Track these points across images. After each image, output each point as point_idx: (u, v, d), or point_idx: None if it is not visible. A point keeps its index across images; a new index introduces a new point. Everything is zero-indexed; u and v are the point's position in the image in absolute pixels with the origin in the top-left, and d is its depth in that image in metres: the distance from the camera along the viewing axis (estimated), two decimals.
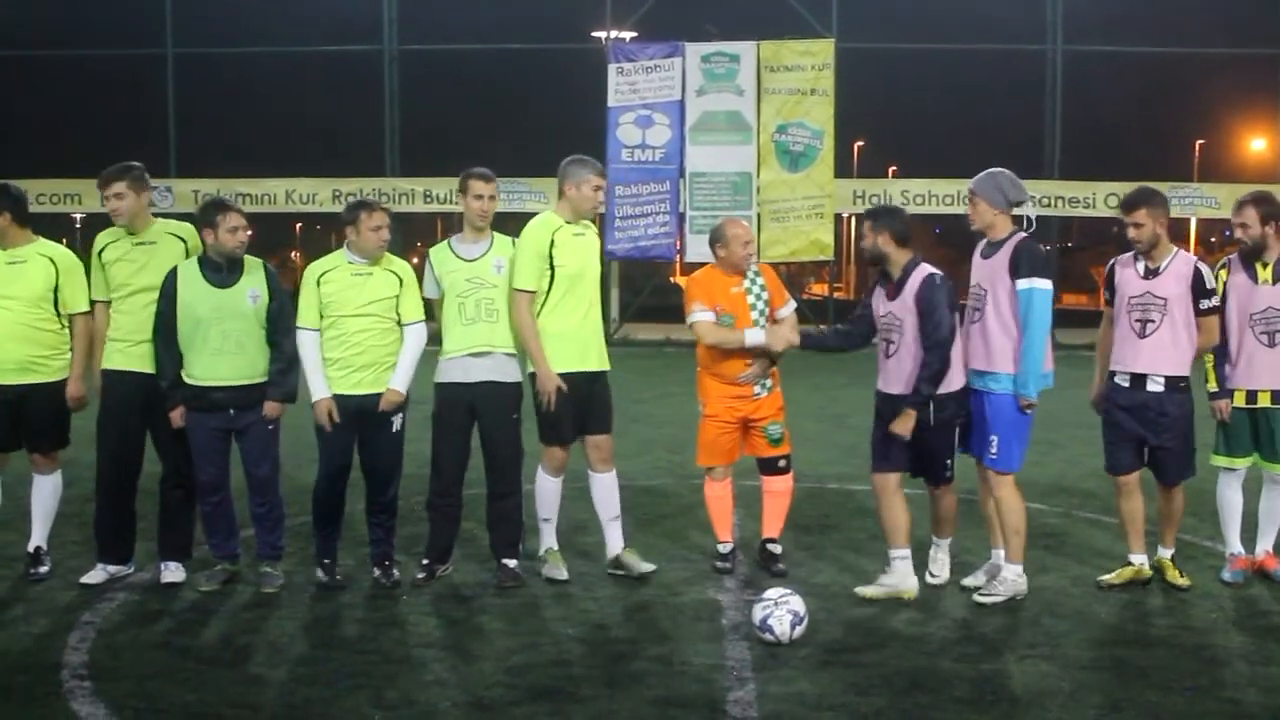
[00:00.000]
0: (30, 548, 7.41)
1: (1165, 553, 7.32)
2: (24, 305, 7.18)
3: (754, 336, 7.33)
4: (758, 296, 7.49)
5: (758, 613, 6.24)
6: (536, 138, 33.63)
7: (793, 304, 7.77)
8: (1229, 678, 5.76)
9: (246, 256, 7.16)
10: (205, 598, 6.98)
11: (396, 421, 7.25)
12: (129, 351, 7.15)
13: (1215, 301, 7.04)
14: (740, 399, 7.45)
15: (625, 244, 25.30)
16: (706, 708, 5.39)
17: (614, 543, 7.54)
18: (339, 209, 7.49)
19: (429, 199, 26.61)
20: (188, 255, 7.23)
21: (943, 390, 6.83)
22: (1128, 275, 7.15)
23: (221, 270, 7.06)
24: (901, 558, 6.98)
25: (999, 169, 7.09)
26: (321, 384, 7.03)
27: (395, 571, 7.32)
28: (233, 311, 7.03)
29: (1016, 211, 7.03)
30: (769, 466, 7.62)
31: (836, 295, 33.14)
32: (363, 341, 7.09)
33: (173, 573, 7.22)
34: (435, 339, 7.38)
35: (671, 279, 62.85)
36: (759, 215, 24.21)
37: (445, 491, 7.35)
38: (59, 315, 7.30)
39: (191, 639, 6.32)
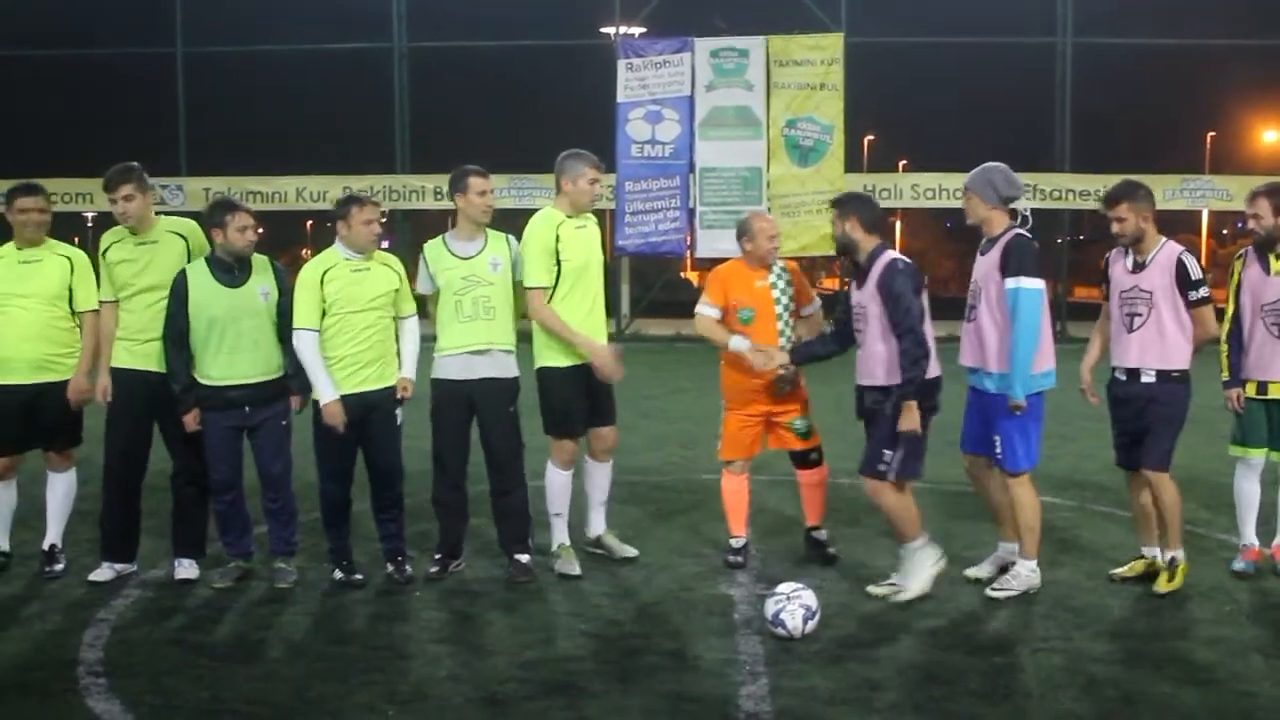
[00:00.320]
0: (45, 545, 7.44)
1: (1154, 552, 7.16)
2: (41, 304, 7.22)
3: (738, 344, 7.33)
4: (783, 292, 7.50)
5: (770, 607, 6.24)
6: (546, 134, 33.57)
7: (818, 302, 7.79)
8: (1244, 671, 5.74)
9: (254, 255, 7.18)
10: (219, 594, 7.00)
11: (399, 415, 7.29)
12: (135, 350, 7.17)
13: (1204, 292, 6.90)
14: (761, 394, 7.44)
15: (636, 239, 25.32)
16: (719, 703, 5.39)
17: (598, 524, 7.78)
18: None
19: (439, 195, 26.63)
20: (189, 252, 7.25)
21: (896, 379, 6.68)
22: (1118, 269, 7.12)
23: (232, 270, 7.08)
24: (919, 546, 6.87)
25: (993, 164, 7.04)
26: (329, 386, 7.00)
27: (408, 567, 7.34)
28: (246, 310, 7.06)
29: (1014, 206, 6.98)
30: (801, 460, 7.65)
31: (847, 290, 33.11)
32: (370, 337, 7.11)
33: (187, 569, 7.25)
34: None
35: (682, 274, 62.85)
36: (769, 210, 24.20)
37: (451, 487, 7.37)
38: (72, 314, 7.34)
39: (205, 635, 6.34)
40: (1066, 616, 6.58)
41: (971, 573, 7.16)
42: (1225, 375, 7.38)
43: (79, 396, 7.31)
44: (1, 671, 5.78)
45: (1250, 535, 7.40)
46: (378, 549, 7.46)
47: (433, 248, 7.39)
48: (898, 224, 78.34)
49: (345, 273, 7.07)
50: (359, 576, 7.21)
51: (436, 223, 7.69)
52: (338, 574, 7.21)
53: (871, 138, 50.47)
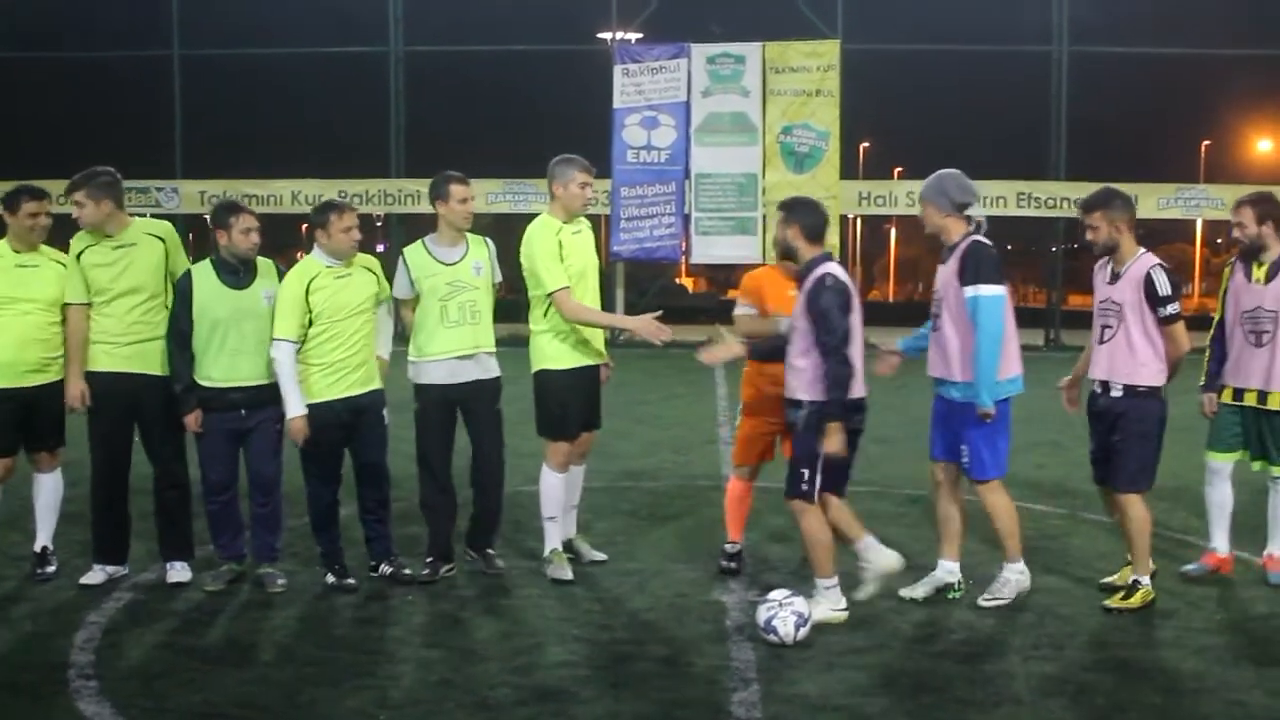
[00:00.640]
0: (36, 548, 7.44)
1: (1139, 576, 6.95)
2: (41, 308, 7.22)
3: (784, 325, 7.26)
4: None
5: (762, 614, 6.24)
6: (542, 139, 33.59)
7: None
8: (1234, 679, 5.75)
9: (258, 258, 7.19)
10: (210, 597, 7.00)
11: (386, 415, 7.35)
12: (115, 354, 7.13)
13: (1173, 309, 6.78)
14: (780, 405, 7.41)
15: (631, 245, 25.33)
16: (711, 709, 5.40)
17: (569, 527, 7.78)
18: None
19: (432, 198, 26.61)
20: (168, 255, 7.23)
21: (821, 396, 6.47)
22: (1098, 279, 7.09)
23: (237, 272, 7.10)
24: (867, 546, 6.72)
25: (947, 170, 6.99)
26: (298, 401, 6.97)
27: (405, 565, 7.38)
28: (250, 312, 7.07)
29: (969, 212, 6.89)
30: None
31: None
32: (358, 342, 7.15)
33: (179, 572, 7.25)
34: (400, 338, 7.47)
35: (677, 280, 62.86)
36: (764, 217, 24.21)
37: (439, 489, 7.43)
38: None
39: (197, 639, 6.33)
40: (1057, 624, 6.59)
41: (905, 593, 6.93)
42: (1202, 380, 7.44)
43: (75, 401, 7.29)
44: None
45: (1216, 540, 7.41)
46: (363, 553, 7.46)
47: (414, 253, 7.41)
48: (892, 231, 78.67)
49: (329, 281, 7.07)
50: (350, 580, 7.20)
51: (431, 227, 7.74)
52: (329, 578, 7.20)
53: (867, 145, 50.47)
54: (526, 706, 5.39)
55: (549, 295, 7.28)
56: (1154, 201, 25.98)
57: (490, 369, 7.44)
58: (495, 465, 7.53)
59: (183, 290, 7.06)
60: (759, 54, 25.28)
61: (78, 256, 7.17)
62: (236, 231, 7.06)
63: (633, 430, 12.75)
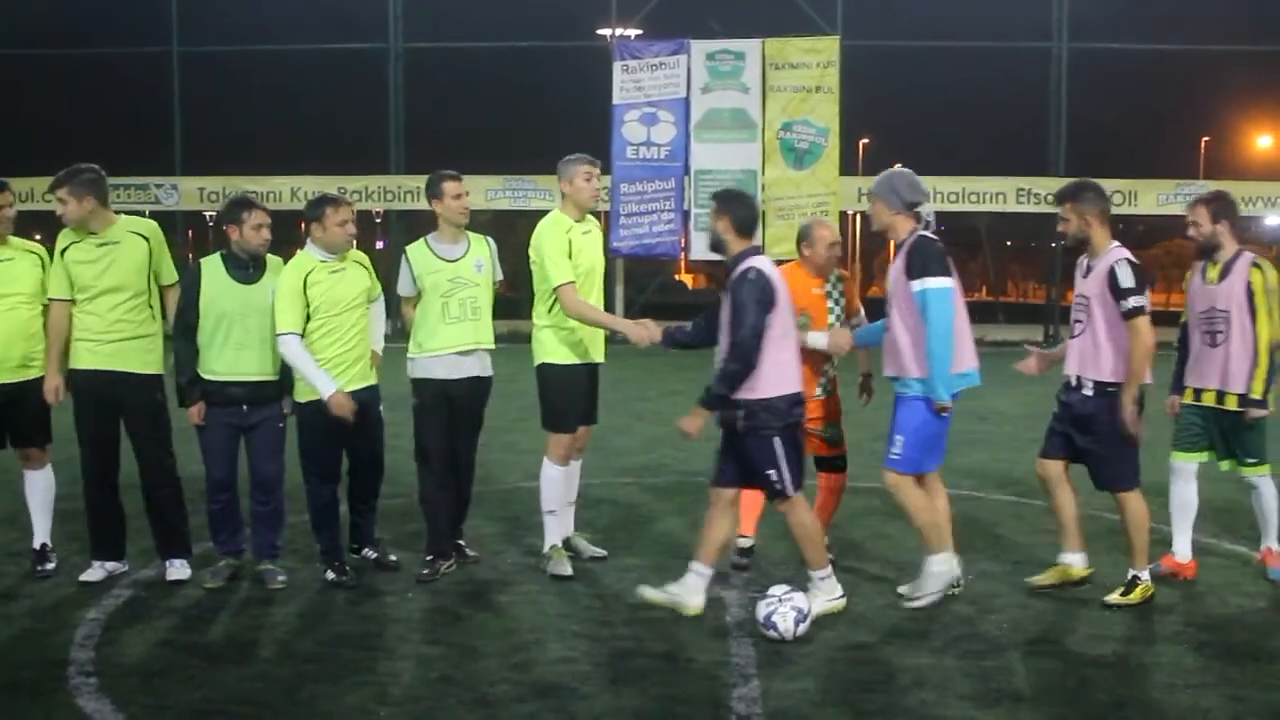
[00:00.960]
0: (35, 544, 7.44)
1: (1072, 558, 7.03)
2: (23, 301, 7.24)
3: (815, 339, 7.28)
4: (836, 301, 7.53)
5: (762, 610, 6.24)
6: (542, 135, 33.62)
7: (863, 313, 7.76)
8: (1234, 674, 5.75)
9: (267, 255, 7.21)
10: (209, 594, 7.00)
11: (383, 410, 7.42)
12: (99, 351, 7.10)
13: (1137, 302, 6.65)
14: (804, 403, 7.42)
15: (630, 241, 25.33)
16: (711, 705, 5.40)
17: (568, 524, 7.80)
18: None
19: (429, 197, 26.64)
20: (151, 254, 7.20)
21: (756, 395, 6.41)
22: (1076, 275, 7.07)
23: (247, 267, 7.12)
24: (698, 573, 6.62)
25: (899, 169, 6.97)
26: (328, 379, 7.01)
27: (390, 552, 7.55)
28: (256, 307, 7.08)
29: (920, 211, 6.82)
30: (827, 464, 7.67)
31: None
32: (354, 337, 7.19)
33: (178, 570, 7.25)
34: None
35: (676, 276, 62.81)
36: (764, 213, 24.21)
37: (438, 485, 7.44)
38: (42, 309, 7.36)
39: (197, 636, 6.33)
40: (1057, 620, 6.59)
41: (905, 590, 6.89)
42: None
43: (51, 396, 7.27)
44: None
45: (1179, 544, 7.39)
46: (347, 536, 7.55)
47: (416, 250, 7.44)
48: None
49: (325, 275, 7.09)
50: (350, 577, 7.20)
51: (430, 224, 7.75)
52: (329, 574, 7.20)
53: (866, 141, 50.41)
54: (526, 703, 5.39)
55: (554, 289, 7.33)
56: (1154, 198, 26.02)
57: (487, 367, 7.51)
58: (469, 461, 7.69)
59: (191, 282, 7.07)
60: (759, 50, 25.29)
61: (61, 253, 7.14)
62: (248, 227, 7.08)
63: (632, 426, 12.75)
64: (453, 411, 7.41)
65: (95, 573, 7.22)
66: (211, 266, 7.12)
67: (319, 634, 6.37)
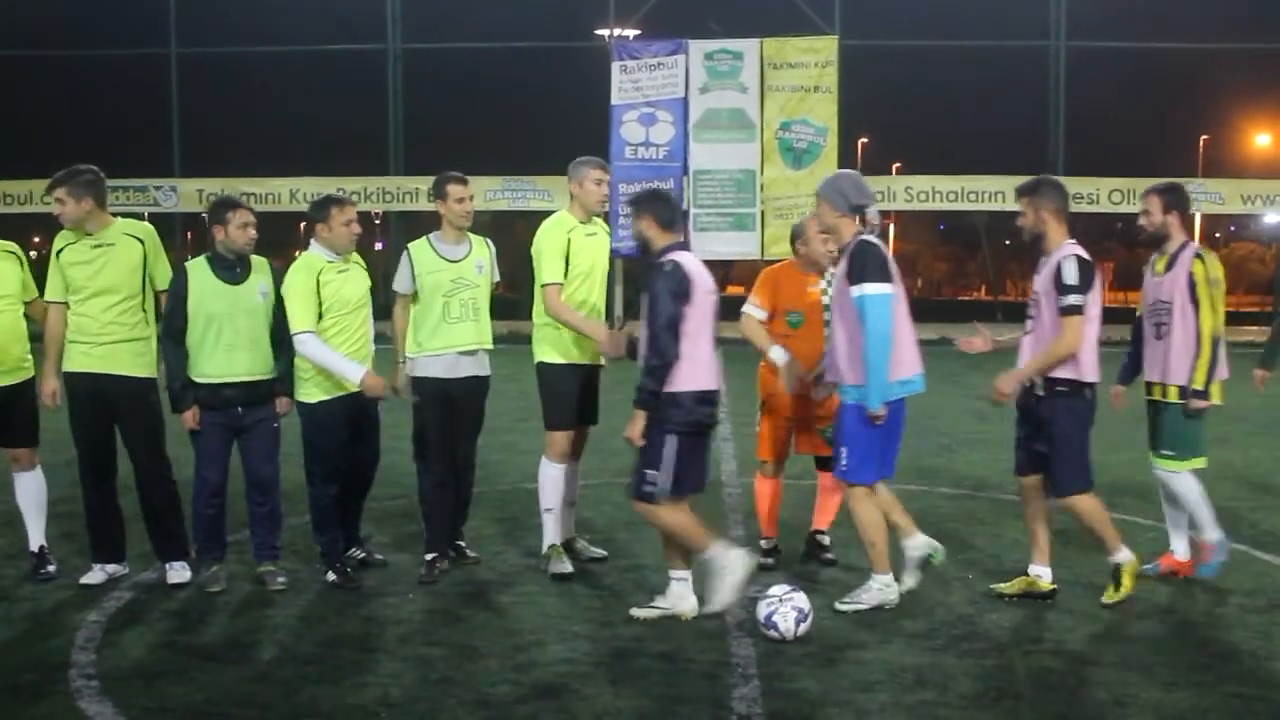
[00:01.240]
0: (33, 547, 7.43)
1: (1039, 571, 6.95)
2: (10, 303, 7.25)
3: (778, 355, 7.31)
4: (832, 299, 7.50)
5: (762, 609, 6.24)
6: (540, 136, 33.66)
7: None
8: (1233, 672, 5.76)
9: (253, 255, 7.20)
10: (209, 596, 6.99)
11: (381, 410, 7.46)
12: (92, 353, 7.10)
13: (1074, 301, 6.58)
14: (802, 398, 7.44)
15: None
16: (711, 705, 5.40)
17: (568, 526, 7.80)
18: None
19: (433, 197, 26.63)
20: (146, 256, 7.21)
21: (671, 389, 6.36)
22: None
23: (234, 267, 7.11)
24: (679, 579, 6.63)
25: (845, 170, 6.95)
26: (354, 366, 7.06)
27: (376, 550, 7.68)
28: (245, 308, 7.09)
29: (866, 214, 6.74)
30: (827, 464, 7.65)
31: None
32: (360, 336, 7.24)
33: (178, 572, 7.24)
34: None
35: None
36: (763, 213, 24.19)
37: (438, 484, 7.46)
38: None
39: (197, 637, 6.33)
40: (1058, 619, 6.59)
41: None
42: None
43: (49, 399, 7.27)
44: None
45: (1177, 543, 7.37)
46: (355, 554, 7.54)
47: (419, 249, 7.46)
48: (891, 226, 78.63)
49: (334, 275, 7.14)
50: (352, 578, 7.21)
51: (430, 224, 7.76)
52: (330, 576, 7.20)
53: (865, 140, 50.43)
54: (527, 704, 5.39)
55: (541, 287, 7.40)
56: None
57: (485, 367, 7.56)
58: (470, 462, 7.71)
59: (177, 287, 7.05)
60: (757, 50, 25.08)
61: (57, 254, 7.15)
62: (234, 227, 7.07)
63: None
64: (452, 411, 7.42)
65: (95, 575, 7.22)
66: (197, 269, 7.10)
67: (319, 635, 6.37)
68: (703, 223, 29.02)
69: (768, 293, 7.51)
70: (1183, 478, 7.18)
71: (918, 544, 6.76)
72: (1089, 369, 6.71)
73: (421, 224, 30.91)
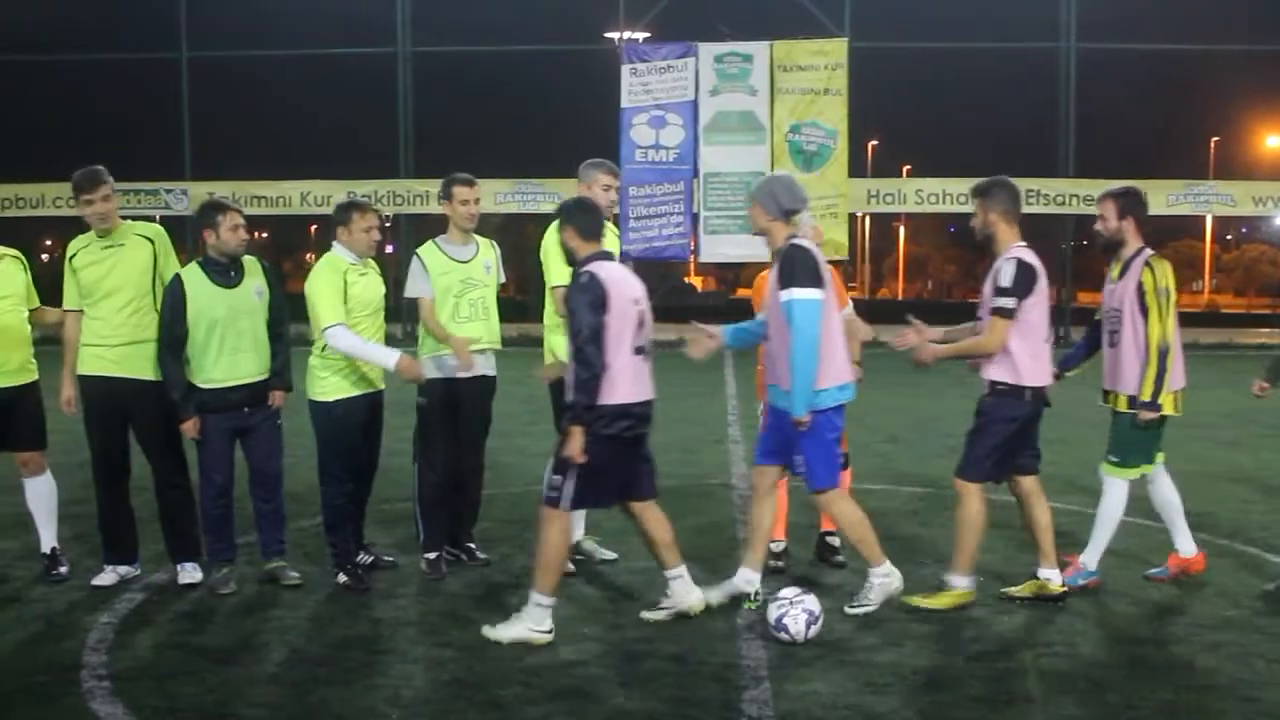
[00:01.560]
0: (45, 549, 7.45)
1: (1048, 574, 6.91)
2: (14, 304, 7.28)
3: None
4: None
5: (773, 612, 6.24)
6: (550, 139, 33.71)
7: (851, 305, 7.75)
8: (1246, 676, 5.74)
9: (245, 256, 7.27)
10: (220, 597, 7.01)
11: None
12: (106, 356, 7.12)
13: (1004, 304, 6.61)
14: None
15: (639, 244, 25.20)
16: (722, 707, 5.40)
17: (578, 529, 7.77)
18: None
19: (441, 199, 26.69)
20: (156, 257, 7.25)
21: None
22: None
23: (228, 270, 7.14)
24: (675, 577, 6.58)
25: (778, 173, 6.91)
26: (388, 352, 7.08)
27: (385, 553, 7.71)
28: (244, 310, 7.13)
29: (798, 218, 6.70)
30: None
31: (851, 295, 33.12)
32: (376, 339, 7.28)
33: (189, 573, 7.26)
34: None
35: (686, 279, 62.77)
36: None
37: (441, 484, 7.49)
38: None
39: (208, 639, 6.35)
40: (1069, 622, 6.58)
41: (708, 596, 6.68)
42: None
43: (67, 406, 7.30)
44: (5, 675, 5.80)
45: (1181, 541, 7.30)
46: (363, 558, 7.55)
47: (429, 252, 7.48)
48: (901, 229, 78.58)
49: (356, 277, 7.22)
50: (363, 580, 7.23)
51: (440, 227, 7.77)
52: (341, 578, 7.21)
53: (875, 143, 50.43)
54: (538, 705, 5.40)
55: (551, 289, 7.43)
56: (1163, 198, 25.95)
57: (492, 366, 7.63)
58: (479, 462, 7.74)
59: (174, 296, 7.03)
60: (766, 53, 25.17)
61: (70, 260, 7.18)
62: (225, 229, 7.10)
63: None
64: (460, 412, 7.44)
65: (107, 576, 7.25)
66: (192, 276, 7.10)
67: (330, 636, 6.38)
68: (713, 226, 29.12)
69: (761, 298, 7.49)
70: (1116, 485, 7.13)
71: (752, 578, 6.78)
72: (1028, 373, 6.69)
73: (431, 227, 30.98)
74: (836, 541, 7.75)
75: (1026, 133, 33.48)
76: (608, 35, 27.93)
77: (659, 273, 32.79)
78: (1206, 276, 68.56)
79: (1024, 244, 6.80)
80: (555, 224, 7.56)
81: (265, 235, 59.75)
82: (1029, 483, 7.00)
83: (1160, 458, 7.30)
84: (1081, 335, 7.63)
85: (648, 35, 27.12)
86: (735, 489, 9.98)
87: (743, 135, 26.40)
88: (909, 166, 40.85)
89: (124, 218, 7.36)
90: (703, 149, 26.13)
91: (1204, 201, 26.18)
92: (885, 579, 6.70)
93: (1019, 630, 6.45)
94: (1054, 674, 5.78)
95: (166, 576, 7.34)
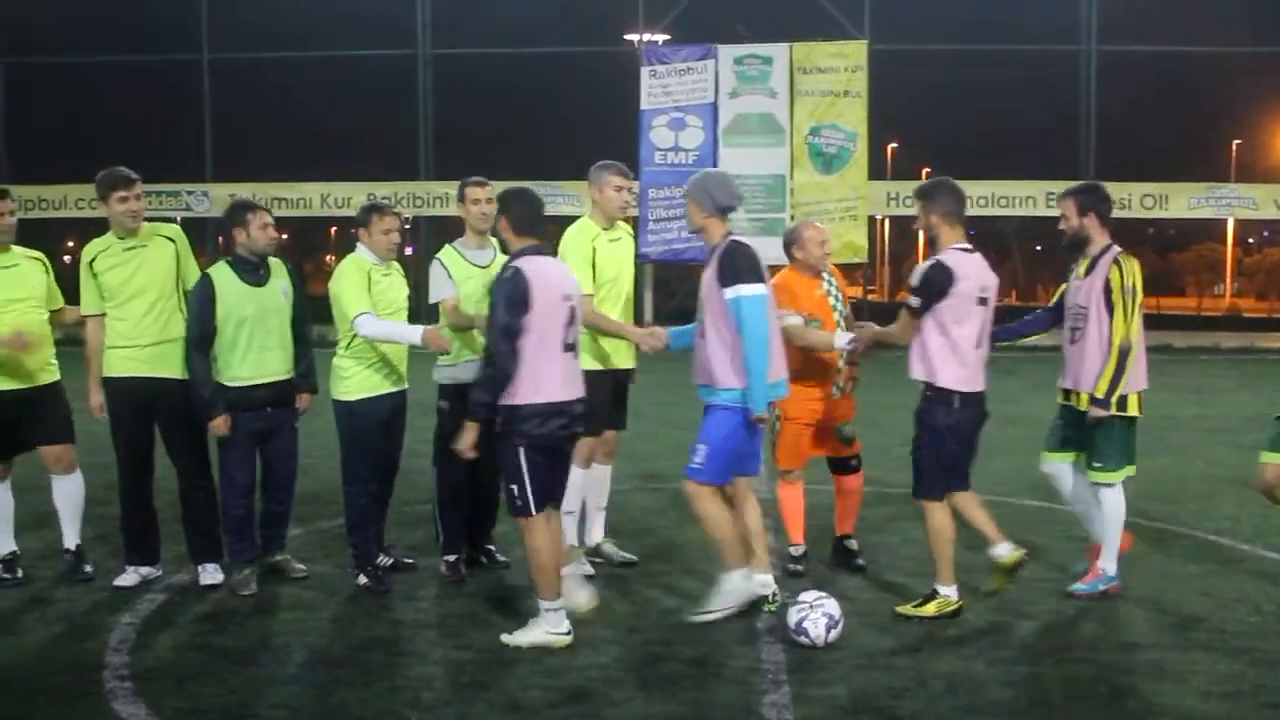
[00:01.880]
0: (71, 546, 7.49)
1: (938, 584, 6.74)
2: (34, 306, 7.31)
3: (841, 339, 7.25)
4: (836, 298, 7.55)
5: (793, 616, 6.23)
6: (570, 141, 33.72)
7: (849, 309, 7.75)
8: (1269, 682, 5.71)
9: (271, 258, 7.33)
10: (241, 598, 7.03)
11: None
12: (132, 357, 7.15)
13: (910, 301, 6.66)
14: (819, 400, 7.43)
15: (658, 247, 25.31)
16: (742, 711, 5.40)
17: (597, 531, 7.83)
18: None
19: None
20: (178, 256, 7.30)
21: (506, 400, 6.15)
22: None
23: (257, 269, 7.21)
24: (551, 608, 6.24)
25: (712, 170, 6.86)
26: (410, 327, 7.12)
27: (405, 554, 7.73)
28: (272, 308, 7.20)
29: (733, 215, 6.68)
30: (842, 466, 7.69)
31: (871, 297, 33.05)
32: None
33: (211, 575, 7.29)
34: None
35: None
36: (792, 218, 24.17)
37: (459, 489, 7.50)
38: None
39: (229, 640, 6.37)
40: (1090, 627, 6.56)
41: (697, 617, 6.59)
42: None
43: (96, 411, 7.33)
44: (27, 675, 5.83)
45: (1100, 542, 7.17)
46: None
47: (449, 256, 7.48)
48: (920, 232, 78.37)
49: (380, 278, 7.26)
50: (383, 581, 7.25)
51: (459, 230, 7.78)
52: (361, 579, 7.23)
53: (895, 145, 50.28)
54: (557, 708, 5.40)
55: None
56: (1185, 201, 25.85)
57: None
58: (495, 467, 7.61)
59: (203, 295, 7.08)
60: (786, 55, 25.22)
61: (90, 264, 7.18)
62: (255, 227, 7.16)
63: (659, 431, 12.73)
64: None
65: (129, 577, 7.28)
66: (222, 274, 7.15)
67: (351, 638, 6.40)
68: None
69: (790, 299, 7.48)
70: (1111, 492, 7.05)
71: (765, 580, 6.70)
72: (946, 376, 6.64)
73: (451, 229, 31.01)
74: (855, 545, 7.74)
75: (1047, 135, 33.31)
76: (627, 37, 27.92)
77: (677, 275, 32.76)
78: (1228, 280, 68.17)
79: (965, 246, 6.74)
80: (572, 230, 7.57)
81: (285, 237, 59.90)
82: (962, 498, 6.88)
83: (1074, 457, 7.22)
84: (1033, 314, 7.57)
85: (667, 37, 27.15)
86: (755, 492, 9.94)
87: (762, 137, 26.46)
88: (928, 169, 40.76)
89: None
90: (722, 151, 26.23)
91: (1226, 205, 26.04)
92: (740, 583, 6.58)
93: (1039, 636, 6.43)
94: (1075, 679, 5.76)
95: (188, 577, 7.37)
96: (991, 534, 6.72)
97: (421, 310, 7.67)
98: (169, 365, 7.16)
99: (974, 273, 6.69)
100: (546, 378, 6.19)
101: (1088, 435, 7.05)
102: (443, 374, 7.40)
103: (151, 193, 26.12)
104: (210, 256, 30.00)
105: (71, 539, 7.52)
